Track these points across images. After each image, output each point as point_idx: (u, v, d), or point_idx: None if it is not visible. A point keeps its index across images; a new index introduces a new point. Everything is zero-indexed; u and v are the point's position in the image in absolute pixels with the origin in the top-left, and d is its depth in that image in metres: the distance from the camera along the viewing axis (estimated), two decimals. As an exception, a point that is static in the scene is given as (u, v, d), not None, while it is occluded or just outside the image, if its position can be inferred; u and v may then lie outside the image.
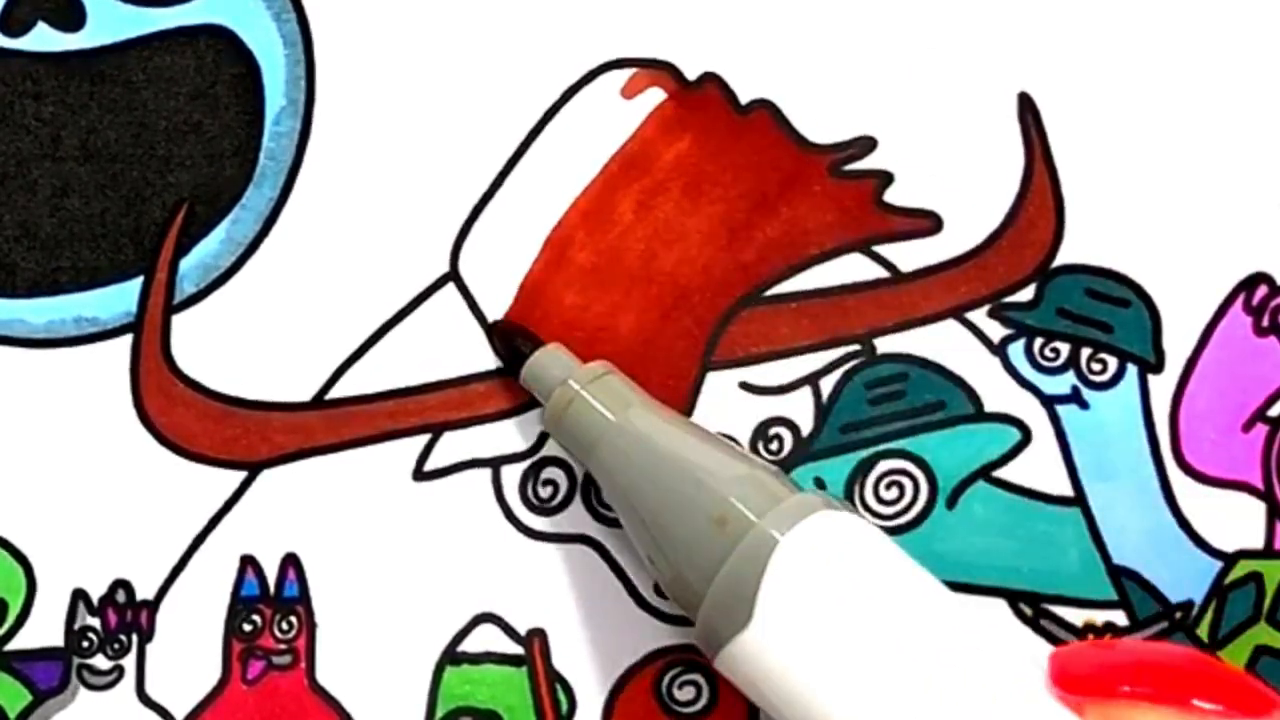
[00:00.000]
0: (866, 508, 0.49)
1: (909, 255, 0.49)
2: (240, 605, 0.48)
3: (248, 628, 0.48)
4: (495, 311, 0.48)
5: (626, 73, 0.48)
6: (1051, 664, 0.40)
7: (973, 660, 0.39)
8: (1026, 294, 0.49)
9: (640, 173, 0.48)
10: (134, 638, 0.47)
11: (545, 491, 0.48)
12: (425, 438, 0.48)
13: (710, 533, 0.42)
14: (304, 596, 0.48)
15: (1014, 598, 0.49)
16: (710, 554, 0.41)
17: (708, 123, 0.48)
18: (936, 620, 0.40)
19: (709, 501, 0.42)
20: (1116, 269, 0.49)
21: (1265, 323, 0.50)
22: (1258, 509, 0.50)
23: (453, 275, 0.47)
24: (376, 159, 0.47)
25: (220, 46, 0.46)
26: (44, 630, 0.47)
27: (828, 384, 0.49)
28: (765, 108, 0.48)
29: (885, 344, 0.49)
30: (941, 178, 0.49)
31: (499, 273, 0.48)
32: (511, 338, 0.47)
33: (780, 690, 0.40)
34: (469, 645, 0.48)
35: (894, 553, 0.42)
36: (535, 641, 0.48)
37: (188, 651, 0.48)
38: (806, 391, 0.49)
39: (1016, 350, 0.49)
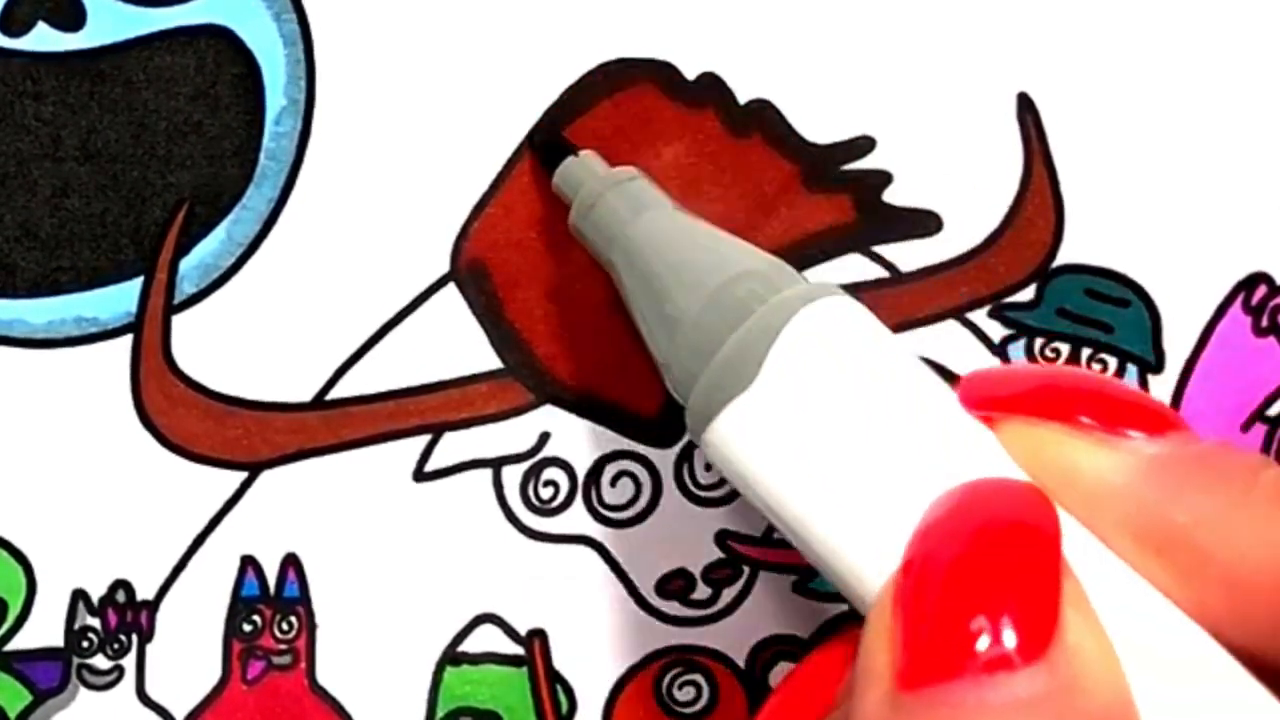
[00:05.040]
0: (866, 508, 0.49)
1: (909, 255, 0.49)
2: (240, 605, 0.48)
3: (248, 628, 0.48)
4: (495, 311, 0.48)
5: (624, 74, 0.48)
6: (960, 387, 0.39)
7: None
8: (1027, 294, 0.49)
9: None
10: (134, 638, 0.47)
11: (546, 492, 0.48)
12: (426, 438, 0.48)
13: (726, 301, 0.40)
14: (304, 597, 0.48)
15: (1014, 598, 0.49)
16: (726, 318, 0.40)
17: (702, 139, 0.48)
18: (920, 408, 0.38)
19: (728, 273, 0.41)
20: (1116, 269, 0.49)
21: (1265, 323, 0.50)
22: (1257, 509, 0.50)
23: (453, 275, 0.47)
24: (377, 159, 0.47)
25: (220, 46, 0.46)
26: (44, 630, 0.47)
27: (828, 384, 0.49)
28: (764, 118, 0.48)
29: (885, 344, 0.49)
30: (941, 178, 0.49)
31: (499, 273, 0.48)
32: (549, 145, 0.47)
33: (769, 460, 0.38)
34: (469, 645, 0.48)
35: (897, 343, 0.40)
36: (535, 642, 0.48)
37: (188, 651, 0.48)
38: (806, 392, 0.49)
39: (1017, 350, 0.49)
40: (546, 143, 0.47)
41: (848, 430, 0.37)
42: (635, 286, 0.43)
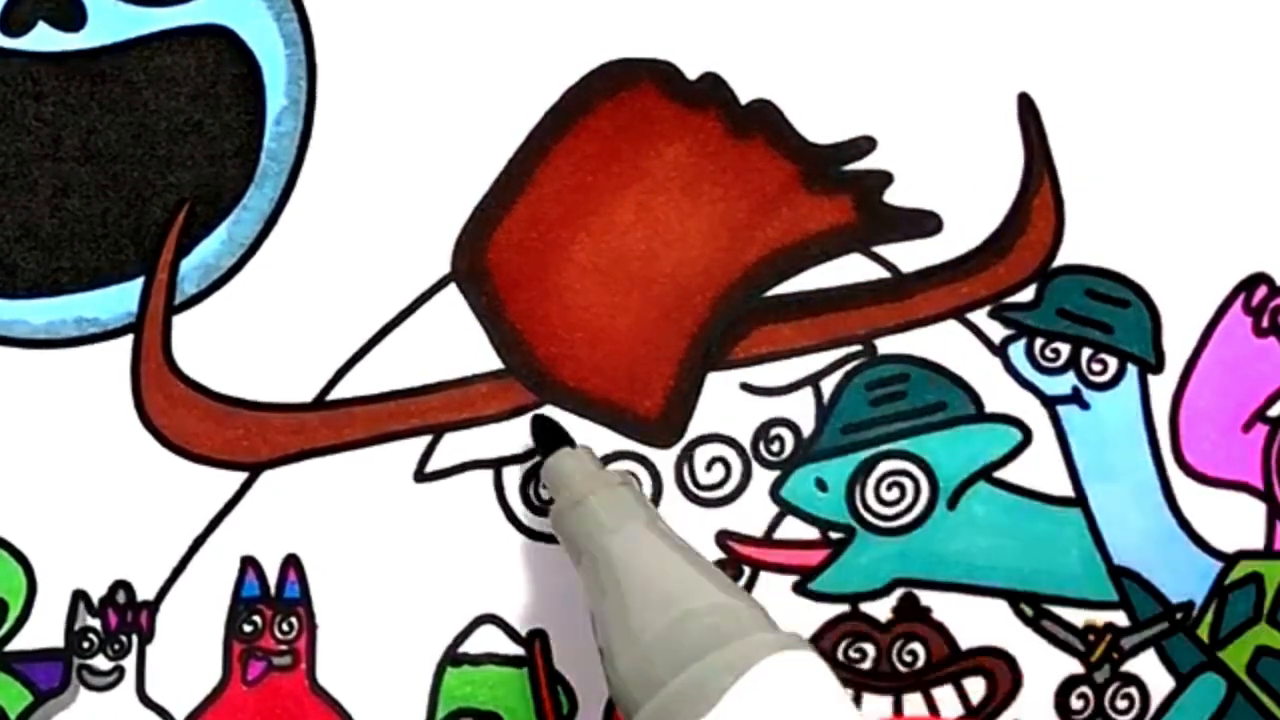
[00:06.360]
0: (868, 508, 0.49)
1: (909, 256, 0.49)
2: (241, 606, 0.48)
3: (248, 629, 0.48)
4: (495, 312, 0.48)
5: (625, 74, 0.48)
6: None
7: None
8: (1027, 294, 0.49)
9: (640, 173, 0.48)
10: (134, 638, 0.47)
11: (547, 493, 0.48)
12: (427, 439, 0.48)
13: (692, 629, 0.42)
14: (305, 597, 0.48)
15: (1015, 598, 0.49)
16: (687, 646, 0.42)
17: (703, 138, 0.48)
18: None
19: (697, 603, 0.43)
20: (1116, 269, 0.49)
21: (1265, 323, 0.50)
22: (1258, 509, 0.50)
23: (454, 276, 0.47)
24: (378, 159, 0.47)
25: (221, 46, 0.46)
26: (44, 631, 0.47)
27: (829, 385, 0.49)
28: (765, 118, 0.48)
29: (886, 345, 0.49)
30: (942, 178, 0.49)
31: (500, 273, 0.48)
32: (546, 430, 0.47)
33: None
34: (470, 646, 0.48)
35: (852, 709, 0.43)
36: (536, 643, 0.48)
37: (188, 652, 0.48)
38: (807, 392, 0.49)
39: (1017, 351, 0.49)
40: (544, 428, 0.47)
41: None
42: (601, 594, 0.44)
